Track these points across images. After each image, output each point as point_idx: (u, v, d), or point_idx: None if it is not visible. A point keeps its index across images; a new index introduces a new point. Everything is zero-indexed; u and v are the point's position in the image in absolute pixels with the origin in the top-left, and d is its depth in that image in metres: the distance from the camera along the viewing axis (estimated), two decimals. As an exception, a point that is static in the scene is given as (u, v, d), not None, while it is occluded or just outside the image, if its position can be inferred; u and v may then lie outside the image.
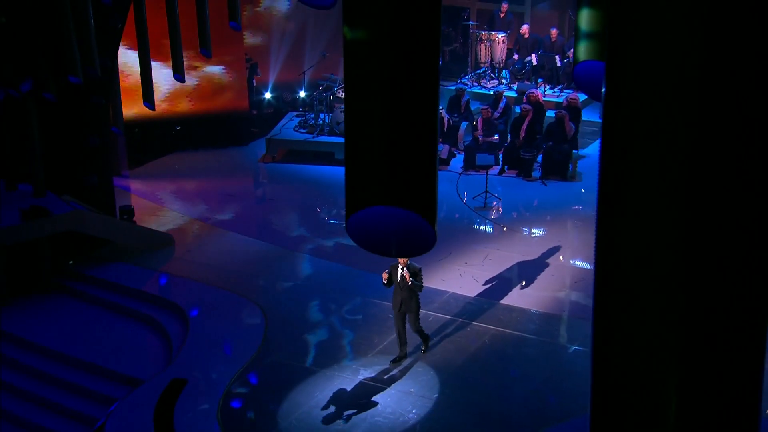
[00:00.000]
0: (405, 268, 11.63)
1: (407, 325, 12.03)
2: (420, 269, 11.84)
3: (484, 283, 14.14)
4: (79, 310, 14.19)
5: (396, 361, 12.11)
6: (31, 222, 13.86)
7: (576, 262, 14.88)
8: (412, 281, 11.63)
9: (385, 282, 11.85)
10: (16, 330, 13.58)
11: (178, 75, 16.95)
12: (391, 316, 12.33)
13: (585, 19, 8.86)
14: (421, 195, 6.04)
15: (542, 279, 14.27)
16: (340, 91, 19.02)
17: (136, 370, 12.64)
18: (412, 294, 11.80)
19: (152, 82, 16.51)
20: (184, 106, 19.42)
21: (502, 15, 22.13)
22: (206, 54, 17.17)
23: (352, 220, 6.22)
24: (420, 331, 12.16)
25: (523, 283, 14.20)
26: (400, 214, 6.08)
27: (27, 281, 14.49)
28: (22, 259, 14.40)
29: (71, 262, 14.92)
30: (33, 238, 14.04)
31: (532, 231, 16.10)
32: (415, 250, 6.75)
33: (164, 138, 19.45)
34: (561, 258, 14.90)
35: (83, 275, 14.75)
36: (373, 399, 11.52)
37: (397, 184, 5.93)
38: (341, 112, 18.79)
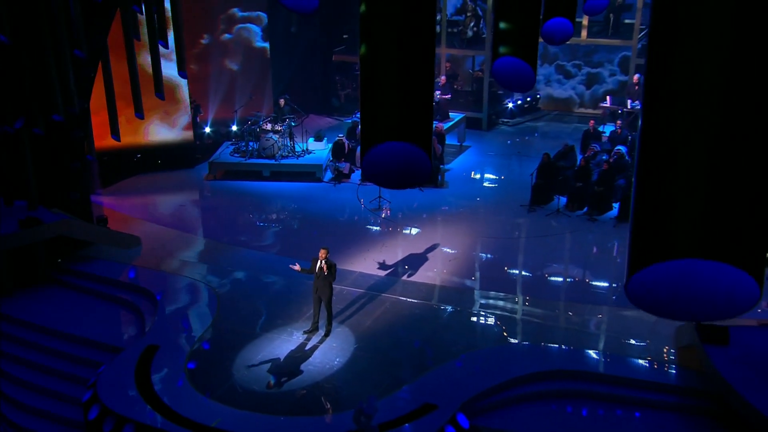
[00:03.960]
0: (324, 261, 11.68)
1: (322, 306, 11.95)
2: (335, 264, 11.81)
3: (382, 264, 14.45)
4: (69, 297, 13.88)
5: (308, 332, 12.06)
6: (27, 229, 13.48)
7: (445, 248, 15.31)
8: (328, 272, 11.67)
9: (298, 270, 11.86)
10: (18, 314, 13.24)
11: (139, 113, 16.78)
12: (314, 293, 12.47)
13: (502, 23, 8.49)
14: (421, 133, 5.67)
15: (423, 260, 14.67)
16: (265, 124, 19.02)
17: (117, 341, 12.53)
18: (326, 283, 11.75)
19: (117, 120, 16.30)
20: (142, 138, 19.08)
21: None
22: (160, 97, 17.08)
23: (367, 158, 5.69)
24: (329, 314, 12.02)
25: (410, 263, 14.57)
26: (405, 149, 5.59)
27: (25, 276, 14.08)
28: (21, 258, 13.99)
29: (60, 260, 14.54)
30: (29, 242, 13.66)
31: (413, 225, 16.43)
32: (415, 179, 6.04)
33: (128, 163, 19.07)
34: (434, 244, 15.34)
35: (70, 270, 14.43)
36: (305, 352, 11.70)
37: (404, 124, 5.60)
38: (266, 140, 18.84)
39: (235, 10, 20.88)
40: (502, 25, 8.25)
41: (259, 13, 21.23)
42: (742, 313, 4.11)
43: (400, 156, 5.60)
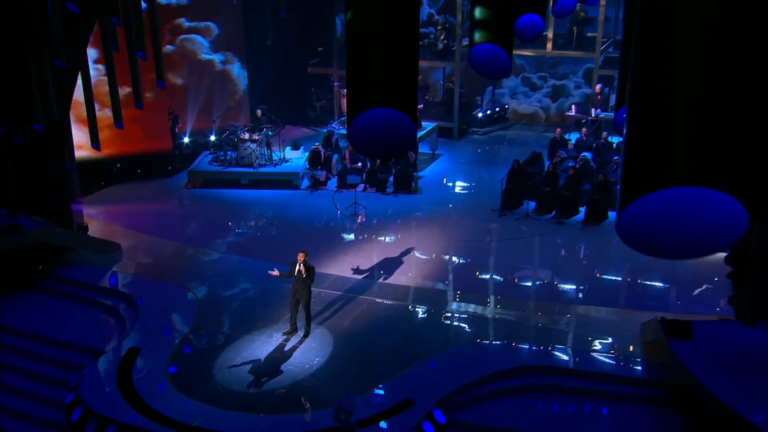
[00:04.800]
0: (302, 265, 11.57)
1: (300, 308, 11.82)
2: (313, 267, 11.72)
3: (359, 268, 14.37)
4: (50, 302, 13.58)
5: (287, 334, 11.94)
6: (8, 236, 13.22)
7: (420, 252, 15.28)
8: (306, 275, 11.57)
9: (277, 275, 11.75)
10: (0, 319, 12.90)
11: (118, 123, 16.52)
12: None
13: (477, 11, 8.39)
14: (406, 100, 5.56)
15: (398, 263, 14.63)
16: (243, 134, 18.88)
17: (99, 344, 12.23)
18: (305, 285, 11.65)
19: (98, 130, 16.03)
20: (121, 147, 18.81)
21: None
22: (139, 107, 16.83)
23: (354, 123, 5.58)
24: (308, 316, 11.91)
25: (386, 266, 14.51)
26: (392, 115, 5.47)
27: (6, 282, 13.74)
28: (2, 264, 13.64)
29: (41, 266, 14.23)
30: (10, 248, 13.35)
31: (389, 230, 16.40)
32: (401, 147, 5.89)
33: (108, 172, 18.78)
34: (409, 248, 15.31)
35: (51, 275, 14.13)
36: (285, 353, 11.58)
37: (391, 91, 5.50)
38: (244, 149, 18.69)
39: (182, 20, 19.99)
40: (477, 13, 8.15)
41: (209, 23, 20.31)
42: (731, 244, 4.04)
43: (385, 122, 5.50)
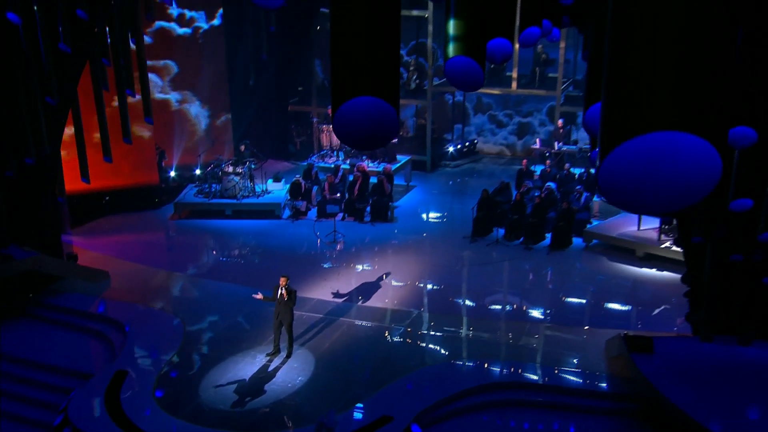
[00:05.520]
0: (284, 288, 11.58)
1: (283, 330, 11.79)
2: (295, 291, 11.73)
3: (338, 292, 14.42)
4: (40, 329, 13.40)
5: (270, 355, 11.91)
6: (0, 265, 13.07)
7: (396, 276, 15.36)
8: (288, 298, 11.55)
9: (261, 298, 11.75)
10: (-9, 346, 12.72)
11: (108, 157, 16.54)
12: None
13: (452, 25, 8.35)
14: (388, 88, 5.54)
15: (376, 287, 14.70)
16: (227, 167, 18.97)
17: (88, 368, 12.12)
18: (287, 308, 11.65)
19: (87, 164, 16.03)
20: (110, 181, 18.76)
21: (335, 114, 22.63)
22: (128, 142, 16.89)
23: (339, 113, 5.49)
24: (290, 337, 11.88)
25: (364, 290, 14.56)
26: (375, 104, 5.43)
27: (-3, 309, 13.60)
28: (-7, 293, 13.51)
29: (31, 294, 14.08)
30: (1, 277, 13.20)
31: (366, 257, 16.45)
32: (384, 136, 5.73)
33: (97, 205, 18.70)
34: (386, 273, 15.39)
35: (42, 303, 13.97)
36: (268, 373, 11.54)
37: (373, 80, 5.49)
38: (228, 181, 18.76)
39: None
40: (452, 29, 8.15)
41: (167, 61, 19.59)
42: (705, 192, 4.00)
43: (369, 111, 5.48)
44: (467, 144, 24.42)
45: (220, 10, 20.63)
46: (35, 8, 13.37)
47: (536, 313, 14.00)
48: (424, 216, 19.36)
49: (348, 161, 20.60)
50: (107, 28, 15.04)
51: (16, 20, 12.91)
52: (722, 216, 10.46)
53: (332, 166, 20.08)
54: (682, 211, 4.24)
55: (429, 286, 15.18)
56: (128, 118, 16.40)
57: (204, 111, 20.96)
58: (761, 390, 10.10)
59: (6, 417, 11.45)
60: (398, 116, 5.59)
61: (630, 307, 14.09)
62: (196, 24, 20.40)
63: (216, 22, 20.67)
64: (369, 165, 20.05)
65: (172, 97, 20.26)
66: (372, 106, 5.48)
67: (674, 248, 15.53)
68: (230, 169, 18.82)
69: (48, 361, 12.28)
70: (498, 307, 14.44)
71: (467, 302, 14.49)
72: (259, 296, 11.79)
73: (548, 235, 17.00)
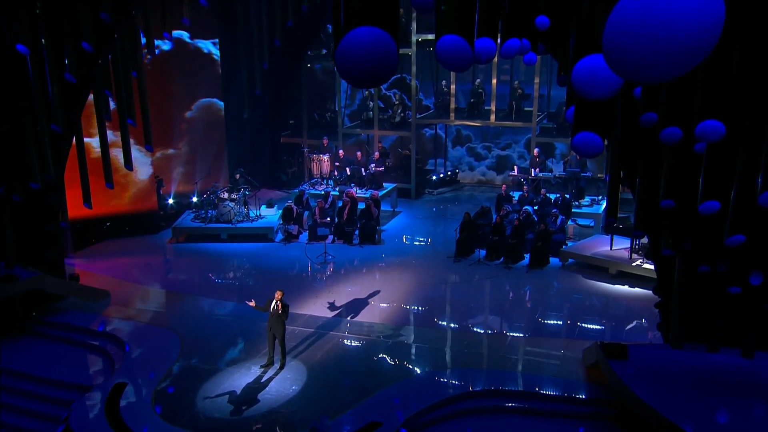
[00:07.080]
0: (279, 301, 11.54)
1: (276, 342, 11.71)
2: (288, 305, 11.65)
3: (329, 308, 14.34)
4: (43, 345, 13.20)
5: (264, 366, 11.79)
6: (5, 284, 12.91)
7: (384, 294, 15.31)
8: (281, 311, 11.46)
9: (253, 306, 11.63)
10: (-5, 362, 12.48)
11: (109, 184, 16.46)
12: (268, 333, 12.19)
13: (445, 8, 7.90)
14: (390, 20, 5.41)
15: (364, 304, 14.63)
16: (223, 193, 18.95)
17: (89, 381, 11.92)
18: (279, 321, 11.56)
19: (90, 189, 15.94)
20: (111, 207, 18.68)
21: (324, 144, 22.83)
22: (129, 168, 16.84)
23: (341, 46, 5.30)
24: (283, 349, 11.79)
25: (353, 306, 14.49)
26: (376, 35, 5.23)
27: (2, 327, 13.37)
28: (-1, 311, 13.32)
29: (34, 312, 13.88)
30: (6, 296, 13.03)
31: (355, 276, 16.39)
32: (385, 70, 5.46)
33: (98, 230, 18.58)
34: (374, 291, 15.34)
35: (45, 321, 13.78)
36: (262, 383, 11.41)
37: (374, 11, 5.38)
38: (223, 207, 18.72)
39: None
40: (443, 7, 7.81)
41: None
42: (708, 50, 3.70)
43: (369, 42, 5.32)
44: (449, 173, 24.60)
45: (218, 47, 20.86)
46: (43, 40, 13.43)
47: (516, 326, 13.97)
48: (409, 238, 19.38)
49: (338, 188, 20.65)
50: (110, 60, 15.12)
51: (25, 51, 12.97)
52: (690, 229, 10.57)
53: (322, 192, 20.11)
54: (685, 74, 3.91)
55: (415, 303, 15.13)
56: (129, 146, 16.39)
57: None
58: (728, 392, 10.12)
59: (9, 429, 11.19)
60: (397, 48, 5.42)
61: (605, 321, 14.10)
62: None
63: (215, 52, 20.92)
64: (357, 191, 20.13)
65: None
66: (371, 37, 5.33)
67: (645, 266, 15.63)
68: (225, 195, 18.81)
69: (50, 376, 12.06)
70: (480, 320, 14.40)
71: (451, 317, 14.44)
72: (252, 303, 11.68)
73: (527, 255, 17.06)
